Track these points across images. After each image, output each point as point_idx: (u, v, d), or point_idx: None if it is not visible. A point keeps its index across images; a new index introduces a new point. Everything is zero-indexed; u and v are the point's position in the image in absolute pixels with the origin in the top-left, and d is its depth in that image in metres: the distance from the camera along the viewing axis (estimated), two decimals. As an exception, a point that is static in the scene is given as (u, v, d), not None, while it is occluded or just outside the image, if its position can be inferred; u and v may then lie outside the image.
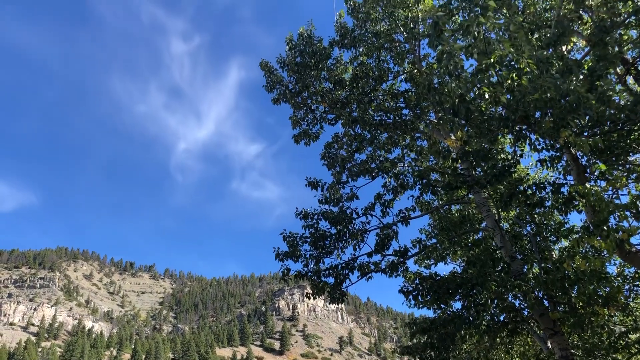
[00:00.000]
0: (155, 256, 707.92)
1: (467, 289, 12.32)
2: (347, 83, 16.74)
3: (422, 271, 14.99)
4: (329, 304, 13.70)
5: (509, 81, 8.84)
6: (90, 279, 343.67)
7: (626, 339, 14.32)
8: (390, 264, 13.30)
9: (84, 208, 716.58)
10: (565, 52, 12.39)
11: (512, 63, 9.06)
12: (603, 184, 11.63)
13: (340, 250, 13.81)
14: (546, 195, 11.44)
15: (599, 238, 9.15)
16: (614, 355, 14.82)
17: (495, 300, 12.63)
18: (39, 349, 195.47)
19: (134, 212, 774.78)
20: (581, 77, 9.30)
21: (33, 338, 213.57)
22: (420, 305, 14.58)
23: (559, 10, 11.55)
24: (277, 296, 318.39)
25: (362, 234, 13.80)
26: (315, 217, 13.83)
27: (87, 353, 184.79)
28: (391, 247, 13.54)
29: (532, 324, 13.75)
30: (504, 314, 13.28)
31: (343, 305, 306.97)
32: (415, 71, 16.46)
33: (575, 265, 11.54)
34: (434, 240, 17.31)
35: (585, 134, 10.33)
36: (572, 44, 14.78)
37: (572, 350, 13.38)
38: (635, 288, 15.23)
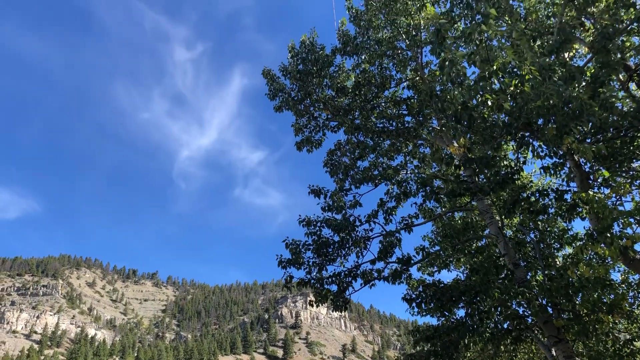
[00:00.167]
0: (158, 264, 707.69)
1: (470, 296, 12.27)
2: (350, 90, 16.76)
3: (426, 278, 14.98)
4: (332, 311, 13.67)
5: (512, 88, 8.85)
6: (93, 287, 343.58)
7: (631, 347, 14.25)
8: (394, 271, 13.27)
9: (87, 215, 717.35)
10: (567, 59, 12.40)
11: (515, 70, 9.07)
12: (606, 190, 11.61)
13: (343, 257, 13.79)
14: (549, 202, 11.42)
15: (602, 245, 9.13)
16: (618, 363, 14.72)
17: (499, 308, 12.57)
18: (42, 357, 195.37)
19: (137, 219, 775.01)
20: (584, 83, 9.30)
21: (36, 346, 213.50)
22: (424, 313, 14.54)
23: (561, 17, 11.56)
24: (280, 304, 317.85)
25: (365, 242, 13.77)
26: (318, 224, 13.81)
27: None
28: (394, 254, 13.52)
29: (536, 332, 13.67)
30: (508, 322, 13.22)
31: (346, 313, 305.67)
32: (417, 78, 16.48)
33: (579, 273, 11.50)
34: (437, 248, 17.26)
35: (588, 140, 10.32)
36: (574, 51, 14.81)
37: (577, 358, 13.30)
38: (639, 295, 15.16)
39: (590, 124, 9.36)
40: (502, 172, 11.45)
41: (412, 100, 15.99)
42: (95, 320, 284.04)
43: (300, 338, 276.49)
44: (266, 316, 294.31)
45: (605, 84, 9.10)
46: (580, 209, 10.83)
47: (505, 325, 13.38)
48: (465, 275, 16.72)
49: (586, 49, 14.38)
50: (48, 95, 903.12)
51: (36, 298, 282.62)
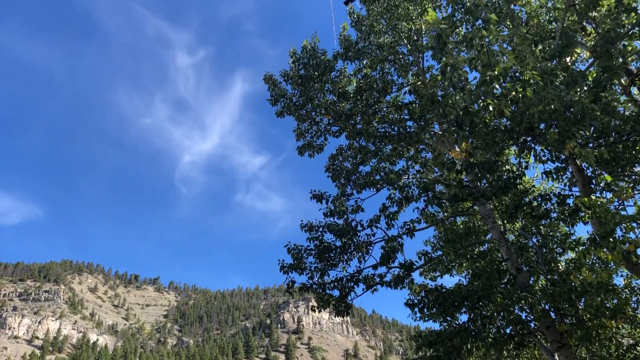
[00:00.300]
0: (160, 269, 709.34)
1: (473, 301, 12.24)
2: (351, 95, 16.78)
3: (428, 283, 14.92)
4: (334, 316, 13.62)
5: (514, 93, 8.85)
6: (95, 292, 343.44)
7: (634, 352, 14.18)
8: (396, 276, 13.24)
9: (89, 221, 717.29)
10: (569, 64, 12.41)
11: (517, 74, 9.07)
12: (609, 195, 11.60)
13: (345, 262, 13.76)
14: (552, 207, 11.42)
15: (605, 250, 9.10)
16: (622, 368, 14.66)
17: (502, 313, 12.53)
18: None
19: (139, 224, 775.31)
20: (585, 88, 9.30)
21: (37, 351, 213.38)
22: (426, 318, 14.48)
23: (562, 22, 11.57)
24: (282, 309, 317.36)
25: (367, 247, 13.75)
26: (320, 229, 13.79)
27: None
28: (396, 259, 13.49)
29: (539, 337, 13.63)
30: (511, 327, 13.17)
31: (348, 318, 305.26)
32: (419, 83, 16.50)
33: (582, 277, 11.46)
34: (439, 253, 17.23)
35: (591, 145, 10.31)
36: (575, 56, 14.82)
37: (580, 363, 13.25)
38: (642, 300, 15.11)
39: (592, 128, 9.35)
40: (504, 177, 11.45)
41: (413, 105, 16.01)
42: (97, 326, 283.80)
43: (302, 343, 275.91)
44: (268, 321, 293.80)
45: (607, 88, 9.09)
46: (582, 214, 10.81)
47: (508, 330, 13.34)
48: (467, 280, 16.68)
49: (588, 53, 14.39)
50: (50, 100, 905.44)
51: (38, 303, 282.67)
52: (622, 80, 12.04)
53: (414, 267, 13.51)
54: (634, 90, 12.92)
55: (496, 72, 8.51)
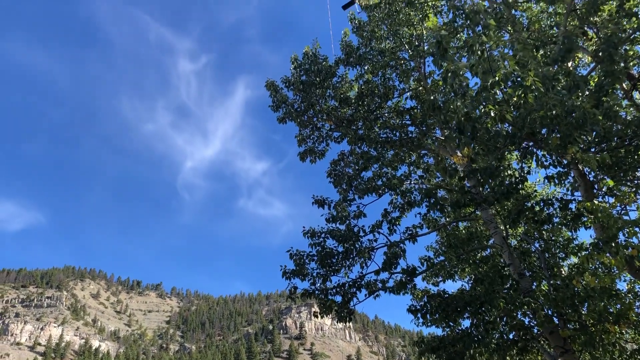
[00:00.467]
0: (162, 275, 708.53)
1: (475, 306, 12.21)
2: (353, 101, 16.79)
3: (430, 289, 14.89)
4: (337, 322, 13.60)
5: (515, 98, 8.85)
6: (97, 298, 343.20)
7: (638, 357, 14.11)
8: (398, 282, 13.23)
9: (91, 227, 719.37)
10: (571, 68, 12.41)
11: (518, 80, 9.07)
12: (611, 200, 11.58)
13: (347, 268, 13.75)
14: (554, 212, 11.38)
15: (608, 255, 9.07)
16: (626, 374, 14.58)
17: (505, 318, 12.50)
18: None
19: (141, 230, 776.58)
20: (587, 93, 9.30)
21: (40, 358, 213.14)
22: (429, 324, 14.44)
23: (563, 27, 11.59)
24: (284, 314, 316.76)
25: (369, 252, 13.74)
26: (322, 235, 13.79)
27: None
28: (399, 265, 13.47)
29: (542, 342, 13.58)
30: (514, 332, 13.13)
31: (351, 324, 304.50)
32: (420, 88, 16.51)
33: (584, 282, 11.43)
34: (441, 258, 17.19)
35: (593, 149, 10.30)
36: (577, 60, 14.83)
37: (584, 369, 13.20)
38: (646, 305, 15.04)
39: (594, 133, 9.34)
40: (506, 182, 11.43)
41: (415, 111, 16.02)
42: (99, 332, 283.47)
43: (304, 349, 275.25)
44: (270, 327, 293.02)
45: (609, 93, 9.09)
46: (585, 218, 10.79)
47: (511, 336, 13.29)
48: (470, 285, 16.63)
49: (589, 58, 14.39)
50: (53, 107, 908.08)
51: (40, 310, 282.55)
52: (624, 84, 12.04)
53: (417, 272, 13.50)
54: (636, 94, 12.92)
55: (497, 78, 8.52)
